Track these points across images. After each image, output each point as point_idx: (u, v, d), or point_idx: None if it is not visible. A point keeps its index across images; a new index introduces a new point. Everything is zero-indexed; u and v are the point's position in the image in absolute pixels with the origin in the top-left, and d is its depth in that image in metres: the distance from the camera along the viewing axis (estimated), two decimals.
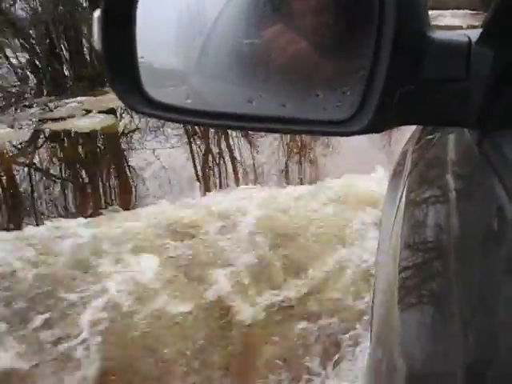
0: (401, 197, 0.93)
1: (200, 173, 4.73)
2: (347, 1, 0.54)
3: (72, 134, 5.92)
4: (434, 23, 0.53)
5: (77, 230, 3.02)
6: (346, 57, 0.53)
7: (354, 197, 3.24)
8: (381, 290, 0.83)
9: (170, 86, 0.62)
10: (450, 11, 15.62)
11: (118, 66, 0.57)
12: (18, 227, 3.42)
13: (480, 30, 0.56)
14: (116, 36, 0.56)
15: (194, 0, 0.61)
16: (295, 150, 5.12)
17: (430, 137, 1.03)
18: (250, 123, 0.55)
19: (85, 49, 8.41)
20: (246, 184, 4.16)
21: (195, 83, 0.61)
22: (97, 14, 0.56)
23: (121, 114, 6.44)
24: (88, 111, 6.55)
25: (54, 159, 5.38)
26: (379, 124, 0.52)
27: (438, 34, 0.53)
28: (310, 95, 0.53)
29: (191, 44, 0.61)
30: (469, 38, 0.54)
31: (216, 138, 5.53)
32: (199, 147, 5.44)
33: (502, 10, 0.54)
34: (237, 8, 0.58)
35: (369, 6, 0.50)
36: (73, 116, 6.39)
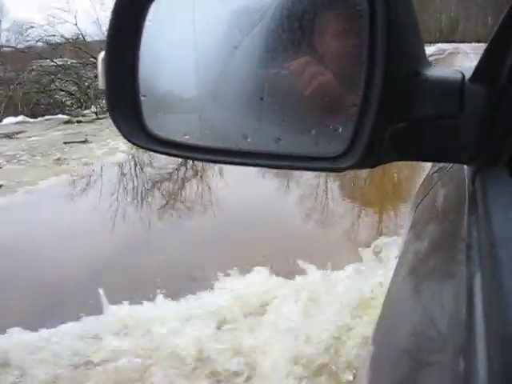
0: (410, 224, 0.99)
1: None
2: (338, 41, 0.56)
3: None
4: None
5: None
6: (339, 94, 0.55)
7: None
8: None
9: (171, 124, 0.63)
10: (474, 45, 15.31)
11: (120, 104, 0.59)
12: None
13: (474, 67, 0.57)
14: (118, 76, 0.58)
15: (203, 39, 0.63)
16: None
17: (439, 168, 1.04)
18: (246, 159, 0.56)
19: None
20: None
21: (197, 127, 0.62)
22: (101, 55, 0.59)
23: None
24: None
25: None
26: (370, 160, 0.52)
27: (433, 71, 0.54)
28: (304, 131, 0.54)
29: (201, 78, 0.62)
30: (463, 74, 0.55)
31: None
32: None
33: (495, 46, 0.55)
34: (257, 39, 0.58)
35: (359, 45, 0.51)
36: None
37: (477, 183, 0.54)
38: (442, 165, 1.07)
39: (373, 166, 0.54)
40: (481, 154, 0.53)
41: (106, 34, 0.59)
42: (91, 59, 12.05)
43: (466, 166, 0.65)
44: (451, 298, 0.46)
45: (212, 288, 2.95)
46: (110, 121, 0.59)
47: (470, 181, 0.58)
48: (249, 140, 0.55)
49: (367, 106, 0.51)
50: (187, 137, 0.59)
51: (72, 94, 12.50)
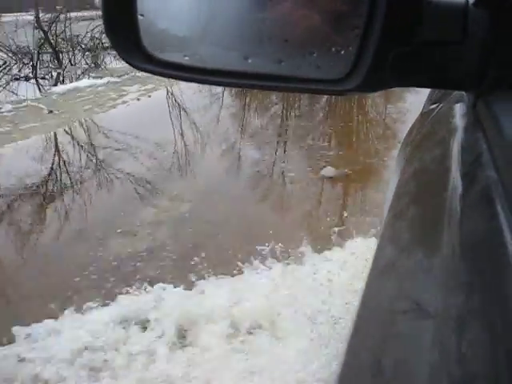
0: (404, 162, 0.97)
1: None
2: None
3: None
4: None
5: None
6: (342, 16, 0.54)
7: None
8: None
9: (170, 45, 0.62)
10: None
11: (117, 22, 0.58)
12: None
13: None
14: None
15: None
16: None
17: (434, 106, 1.04)
18: (247, 80, 0.56)
19: None
20: None
21: (197, 48, 0.61)
22: None
23: None
24: None
25: None
26: (372, 84, 0.52)
27: None
28: (305, 54, 0.54)
29: (196, 10, 0.61)
30: (466, 0, 0.54)
31: None
32: None
33: None
34: None
35: None
36: None
37: (479, 106, 0.54)
38: (432, 106, 1.07)
39: (374, 91, 0.54)
40: (483, 79, 0.54)
41: None
42: None
43: (464, 95, 0.66)
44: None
45: None
46: None
47: (470, 107, 0.58)
48: (250, 61, 0.55)
49: (371, 28, 0.50)
50: (187, 58, 0.58)
51: None
